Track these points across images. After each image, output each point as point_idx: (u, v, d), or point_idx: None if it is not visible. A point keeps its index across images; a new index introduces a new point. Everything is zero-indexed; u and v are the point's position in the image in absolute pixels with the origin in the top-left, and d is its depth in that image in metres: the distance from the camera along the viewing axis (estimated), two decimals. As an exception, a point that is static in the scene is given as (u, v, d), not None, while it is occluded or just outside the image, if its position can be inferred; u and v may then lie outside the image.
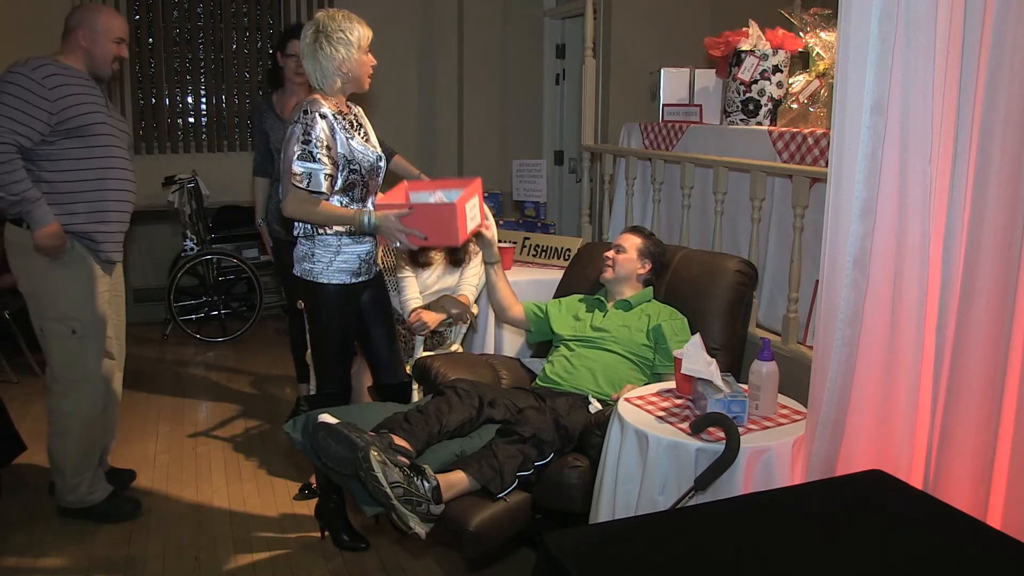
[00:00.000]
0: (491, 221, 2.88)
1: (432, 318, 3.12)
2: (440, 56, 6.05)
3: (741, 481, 1.99)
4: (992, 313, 1.74)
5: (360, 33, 2.49)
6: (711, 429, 2.07)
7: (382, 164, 2.63)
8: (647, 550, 1.32)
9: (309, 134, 2.40)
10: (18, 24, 5.22)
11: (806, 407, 2.09)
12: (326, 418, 2.28)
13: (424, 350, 3.18)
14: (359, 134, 2.57)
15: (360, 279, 2.63)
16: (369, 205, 2.59)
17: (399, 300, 3.33)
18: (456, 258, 3.30)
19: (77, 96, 2.74)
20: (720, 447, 1.96)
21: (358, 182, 2.54)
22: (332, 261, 2.56)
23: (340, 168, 2.48)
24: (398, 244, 2.48)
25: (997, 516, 1.78)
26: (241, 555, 2.80)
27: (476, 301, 3.38)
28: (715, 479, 1.93)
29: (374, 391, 2.91)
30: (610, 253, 2.90)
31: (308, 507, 3.07)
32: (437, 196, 2.66)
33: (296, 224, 2.58)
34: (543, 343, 3.11)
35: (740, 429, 2.05)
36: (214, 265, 5.47)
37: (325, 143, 2.42)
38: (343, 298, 2.60)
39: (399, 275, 3.37)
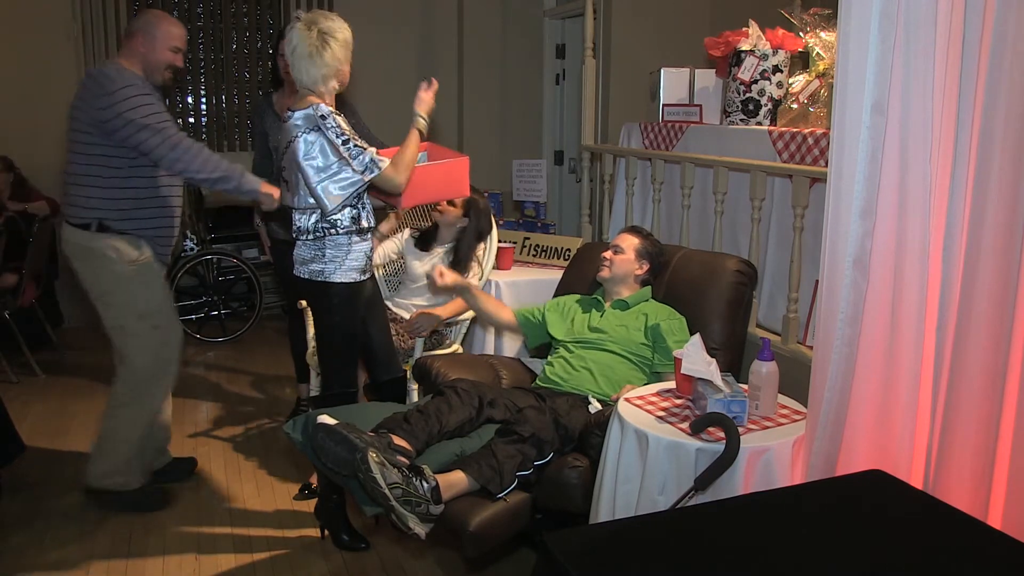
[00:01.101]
0: (442, 268, 2.95)
1: (432, 318, 3.12)
2: (440, 56, 6.05)
3: (741, 481, 1.99)
4: (992, 313, 1.74)
5: (347, 37, 2.52)
6: (711, 429, 2.07)
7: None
8: (647, 550, 1.32)
9: (342, 133, 2.44)
10: (18, 24, 5.23)
11: (806, 407, 2.09)
12: (325, 419, 2.28)
13: (424, 350, 3.18)
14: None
15: (366, 276, 2.66)
16: (365, 198, 2.62)
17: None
18: (455, 270, 3.31)
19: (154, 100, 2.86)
20: (720, 447, 1.96)
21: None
22: (343, 260, 2.58)
23: None
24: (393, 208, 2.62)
25: (997, 516, 1.78)
26: (241, 555, 2.80)
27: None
28: (715, 479, 1.92)
29: (370, 389, 2.92)
30: (607, 253, 2.89)
31: (308, 507, 3.07)
32: None
33: (301, 225, 2.58)
34: (544, 343, 3.12)
35: (740, 429, 2.05)
36: (214, 265, 5.47)
37: (350, 133, 2.48)
38: (353, 296, 2.62)
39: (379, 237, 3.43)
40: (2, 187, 4.86)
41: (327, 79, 2.51)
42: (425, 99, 2.65)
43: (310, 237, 2.58)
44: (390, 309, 3.39)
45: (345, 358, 2.70)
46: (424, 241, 3.40)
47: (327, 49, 2.46)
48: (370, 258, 2.67)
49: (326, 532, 2.87)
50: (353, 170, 2.46)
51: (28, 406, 4.07)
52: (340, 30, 2.49)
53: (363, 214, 2.59)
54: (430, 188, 2.75)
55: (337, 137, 2.44)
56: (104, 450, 3.05)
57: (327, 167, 2.47)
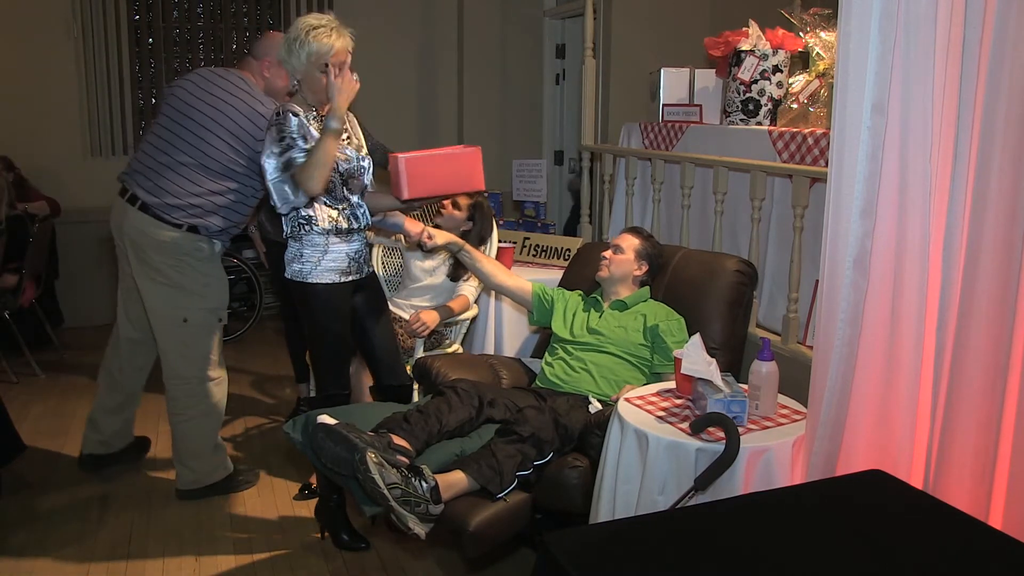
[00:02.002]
0: (430, 230, 2.93)
1: (432, 318, 3.12)
2: (440, 56, 6.05)
3: (741, 481, 1.99)
4: (992, 313, 1.74)
5: (313, 49, 2.46)
6: (711, 429, 2.07)
7: (365, 164, 2.64)
8: (647, 550, 1.32)
9: (283, 131, 2.47)
10: (18, 23, 5.22)
11: (806, 407, 2.09)
12: (325, 419, 2.28)
13: (424, 350, 3.18)
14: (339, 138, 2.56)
15: (350, 278, 2.64)
16: (355, 199, 2.62)
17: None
18: (456, 272, 3.31)
19: None
20: (720, 447, 1.96)
21: (336, 180, 2.56)
22: (320, 260, 2.58)
23: None
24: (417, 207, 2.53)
25: (997, 516, 1.78)
26: (241, 555, 2.80)
27: (476, 302, 3.38)
28: (715, 479, 1.92)
29: (375, 392, 2.92)
30: (607, 252, 2.89)
31: (308, 507, 3.07)
32: None
33: (284, 225, 2.60)
34: (544, 342, 3.12)
35: (740, 429, 2.05)
36: (214, 265, 5.46)
37: (300, 134, 2.48)
38: (334, 297, 2.62)
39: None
40: (4, 186, 4.86)
41: (291, 79, 2.56)
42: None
43: (288, 233, 2.60)
44: (390, 309, 3.39)
45: (333, 360, 2.69)
46: None
47: (291, 55, 2.50)
48: (358, 260, 2.65)
49: (326, 533, 2.86)
50: (288, 165, 2.48)
51: (28, 406, 4.07)
52: (302, 43, 2.46)
53: (343, 215, 2.59)
54: (438, 179, 2.60)
55: (277, 134, 2.47)
56: (190, 455, 3.13)
57: (275, 167, 2.50)
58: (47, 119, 5.35)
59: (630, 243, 2.89)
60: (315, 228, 2.56)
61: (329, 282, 2.59)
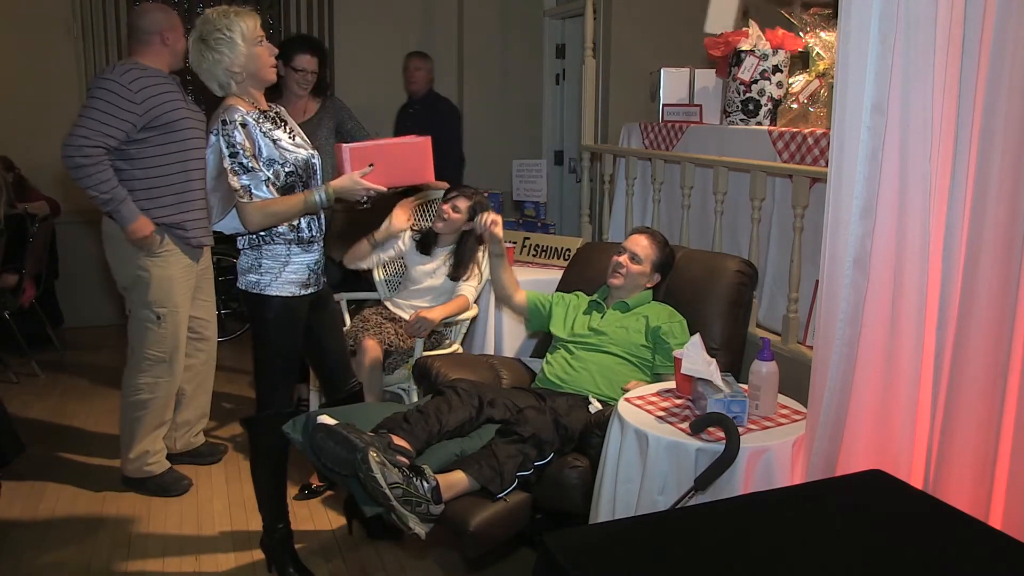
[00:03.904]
0: (499, 218, 2.94)
1: (432, 317, 3.12)
2: (440, 56, 6.04)
3: (741, 481, 1.99)
4: (992, 313, 1.74)
5: (243, 28, 2.33)
6: (711, 429, 2.07)
7: (315, 161, 2.47)
8: (647, 550, 1.32)
9: (233, 145, 2.30)
10: (18, 23, 5.23)
11: (806, 407, 2.09)
12: (325, 419, 2.28)
13: (424, 350, 3.18)
14: (284, 131, 2.43)
15: (309, 291, 2.48)
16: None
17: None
18: (456, 273, 3.30)
19: (162, 95, 2.97)
20: (720, 447, 1.96)
21: (298, 183, 2.41)
22: (280, 272, 2.41)
23: (276, 173, 2.36)
24: (366, 201, 2.45)
25: (998, 516, 1.78)
26: (241, 554, 2.80)
27: (476, 302, 3.38)
28: (715, 479, 1.93)
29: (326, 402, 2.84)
30: (623, 259, 2.83)
31: (308, 507, 3.07)
32: None
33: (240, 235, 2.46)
34: (544, 342, 3.12)
35: (740, 429, 2.05)
36: (214, 265, 5.45)
37: (250, 151, 2.32)
38: (291, 312, 2.45)
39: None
40: (4, 186, 4.86)
41: (223, 80, 2.37)
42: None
43: (246, 244, 2.43)
44: (389, 309, 3.39)
45: (281, 380, 2.50)
46: (425, 244, 3.40)
47: (209, 53, 2.33)
48: (316, 272, 2.50)
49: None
50: (231, 186, 2.33)
51: (28, 406, 4.07)
52: (226, 27, 2.32)
53: (303, 223, 2.43)
54: (385, 169, 2.42)
55: (227, 148, 2.30)
56: (122, 441, 3.22)
57: (217, 176, 2.39)
58: (47, 119, 5.33)
59: (647, 253, 2.84)
60: (276, 238, 2.39)
61: (288, 295, 2.42)
